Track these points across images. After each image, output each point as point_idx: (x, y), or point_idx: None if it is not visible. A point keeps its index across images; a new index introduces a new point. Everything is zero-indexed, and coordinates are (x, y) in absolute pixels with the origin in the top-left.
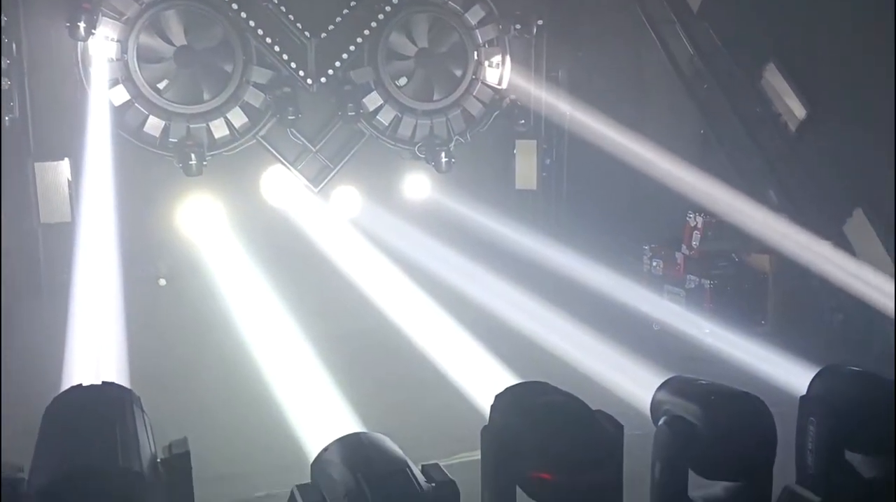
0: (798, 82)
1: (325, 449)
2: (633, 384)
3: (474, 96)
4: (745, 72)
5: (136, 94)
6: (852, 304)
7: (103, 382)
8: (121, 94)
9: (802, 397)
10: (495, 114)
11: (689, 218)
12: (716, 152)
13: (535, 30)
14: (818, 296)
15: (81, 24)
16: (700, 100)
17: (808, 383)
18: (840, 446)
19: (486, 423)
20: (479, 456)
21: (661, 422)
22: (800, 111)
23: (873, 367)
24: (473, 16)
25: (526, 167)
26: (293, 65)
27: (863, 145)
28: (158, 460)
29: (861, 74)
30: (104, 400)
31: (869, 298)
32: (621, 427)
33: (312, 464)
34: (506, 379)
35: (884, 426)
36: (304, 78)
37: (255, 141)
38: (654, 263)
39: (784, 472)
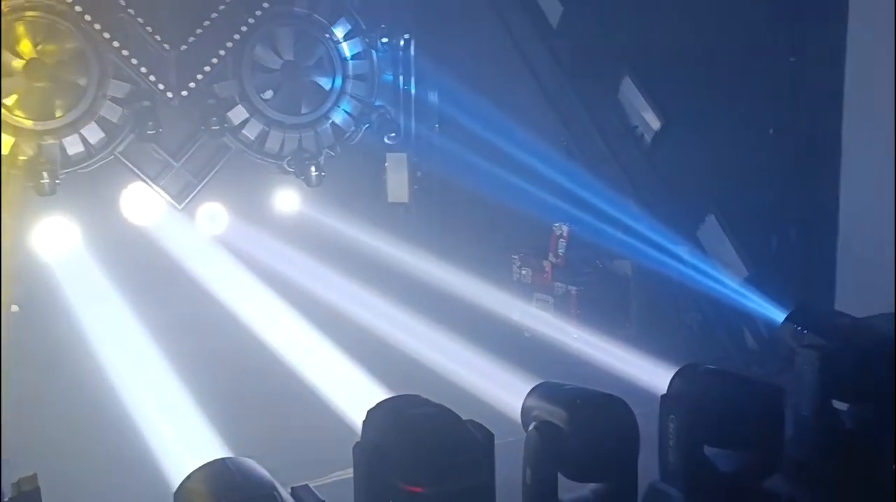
0: (652, 95)
1: (188, 478)
2: (505, 392)
3: (343, 109)
4: (604, 86)
5: None
6: (708, 305)
7: None
8: None
9: (663, 396)
10: (365, 127)
11: (555, 227)
12: (579, 164)
13: (402, 43)
14: (677, 298)
15: None
16: (562, 113)
17: (667, 383)
18: (699, 442)
19: (359, 440)
20: (352, 474)
21: (530, 428)
22: (655, 123)
23: (729, 365)
24: (340, 29)
25: (397, 180)
26: (152, 78)
27: (712, 155)
28: (6, 499)
29: (709, 88)
30: None
31: (723, 299)
32: (492, 435)
33: (175, 494)
34: (378, 393)
35: (739, 421)
36: (165, 91)
37: (112, 157)
38: (524, 272)
39: (649, 470)
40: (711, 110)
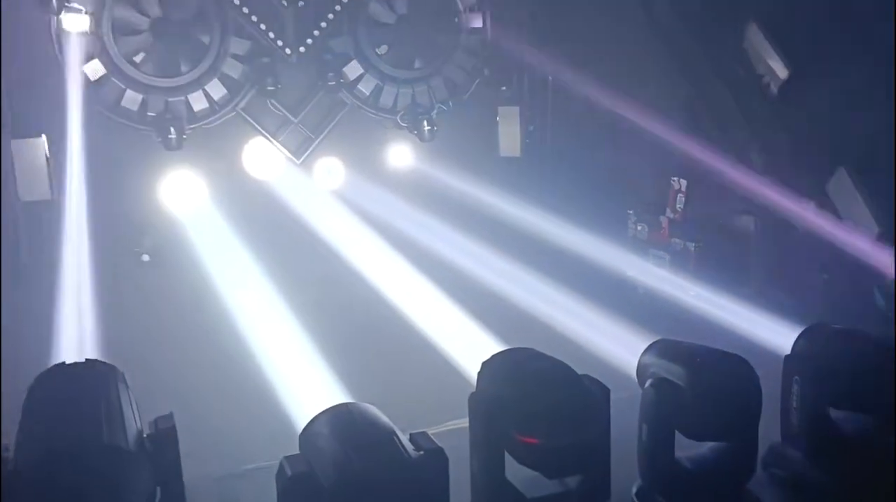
0: (779, 43)
1: (313, 421)
2: (620, 348)
3: (456, 63)
4: (728, 34)
5: (113, 67)
6: (836, 264)
7: (87, 359)
8: (97, 69)
9: (787, 356)
10: (477, 81)
11: (674, 181)
12: (700, 115)
13: None
14: (802, 256)
15: None
16: (684, 63)
17: (792, 343)
18: (824, 404)
19: (474, 390)
20: (467, 423)
21: (647, 385)
22: (782, 72)
23: (856, 326)
24: None
25: (509, 134)
26: (271, 34)
27: (843, 105)
28: (145, 435)
29: (841, 31)
30: (88, 378)
31: (853, 257)
32: (608, 390)
33: (300, 436)
34: (492, 346)
35: (867, 383)
36: (283, 48)
37: (235, 113)
38: (639, 227)
39: (770, 431)
40: (843, 55)
